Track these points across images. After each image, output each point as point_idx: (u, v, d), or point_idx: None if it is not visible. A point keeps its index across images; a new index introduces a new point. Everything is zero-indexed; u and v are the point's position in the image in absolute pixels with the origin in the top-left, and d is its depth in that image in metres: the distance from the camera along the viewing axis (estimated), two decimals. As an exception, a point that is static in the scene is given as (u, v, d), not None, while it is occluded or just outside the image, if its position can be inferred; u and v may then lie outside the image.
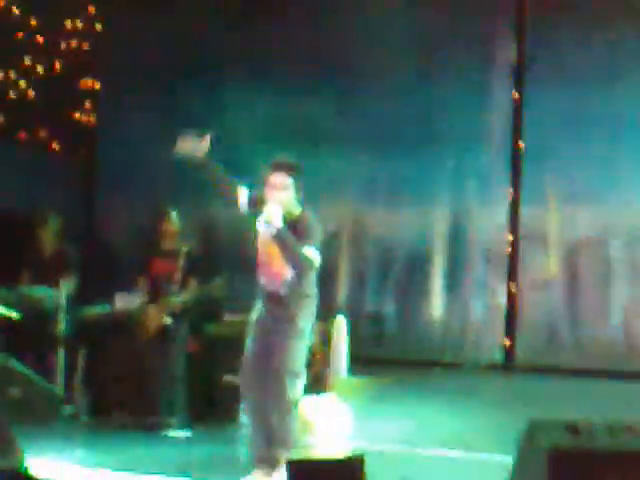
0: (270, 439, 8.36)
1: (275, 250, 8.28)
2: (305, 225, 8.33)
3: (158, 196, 12.51)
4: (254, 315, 8.61)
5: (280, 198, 8.25)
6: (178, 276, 11.05)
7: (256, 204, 8.40)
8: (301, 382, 8.54)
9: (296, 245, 8.15)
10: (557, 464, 7.13)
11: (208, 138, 8.35)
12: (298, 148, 12.41)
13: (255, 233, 8.45)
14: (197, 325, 11.27)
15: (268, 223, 8.13)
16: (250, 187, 8.51)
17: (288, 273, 8.32)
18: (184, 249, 11.17)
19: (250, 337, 8.58)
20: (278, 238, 8.13)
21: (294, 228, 8.23)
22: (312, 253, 8.21)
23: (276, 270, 8.37)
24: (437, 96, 13.96)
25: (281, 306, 8.39)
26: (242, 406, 9.01)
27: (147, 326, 11.01)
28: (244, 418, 8.83)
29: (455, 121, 13.88)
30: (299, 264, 8.26)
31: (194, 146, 8.37)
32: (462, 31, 13.81)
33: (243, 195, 8.49)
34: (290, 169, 8.40)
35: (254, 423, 8.47)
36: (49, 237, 11.98)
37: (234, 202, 8.54)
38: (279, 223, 8.09)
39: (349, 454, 4.45)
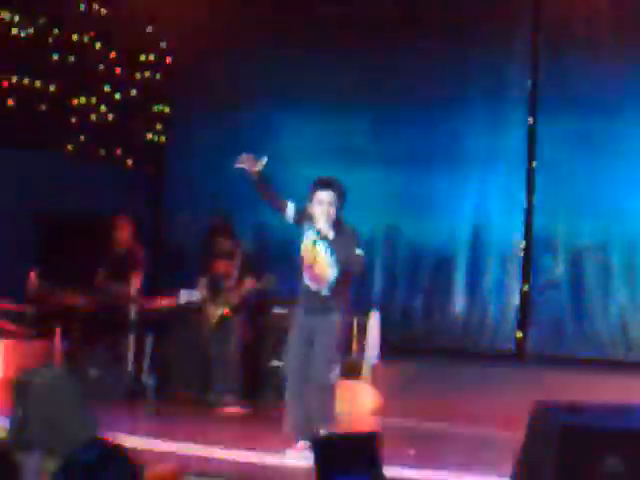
0: (309, 417, 8.36)
1: (319, 255, 8.36)
2: (352, 234, 8.50)
3: (218, 205, 12.44)
4: (297, 310, 8.65)
5: (327, 212, 8.35)
6: (235, 274, 11.04)
7: (303, 216, 8.45)
8: (337, 368, 8.56)
9: (351, 250, 8.30)
10: (563, 442, 7.06)
11: (264, 161, 8.44)
12: (343, 166, 12.59)
13: (301, 240, 8.49)
14: (250, 316, 11.26)
15: (325, 238, 8.28)
16: (296, 201, 8.54)
17: (331, 276, 8.39)
18: (240, 251, 11.17)
19: (294, 329, 8.61)
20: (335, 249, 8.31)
21: (341, 236, 8.35)
22: (362, 256, 8.44)
23: (319, 272, 8.43)
24: (463, 122, 13.91)
25: (322, 304, 8.44)
26: (286, 386, 8.99)
27: (209, 317, 11.01)
28: (286, 396, 8.80)
29: (478, 143, 13.85)
30: (355, 265, 8.46)
31: (251, 164, 8.42)
32: (486, 65, 13.73)
33: (290, 208, 8.52)
34: (334, 187, 8.47)
35: (295, 403, 8.49)
36: (123, 239, 11.99)
37: (280, 213, 8.60)
38: (332, 235, 8.26)
39: (365, 431, 4.47)
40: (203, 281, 11.25)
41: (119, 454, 2.95)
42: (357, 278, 9.09)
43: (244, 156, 8.52)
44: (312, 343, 8.42)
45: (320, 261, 8.42)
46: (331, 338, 8.46)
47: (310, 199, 8.50)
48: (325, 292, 8.45)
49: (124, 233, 11.84)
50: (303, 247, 8.51)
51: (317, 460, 4.49)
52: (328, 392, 8.46)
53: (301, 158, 13.83)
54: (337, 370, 8.66)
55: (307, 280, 8.49)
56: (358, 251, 8.41)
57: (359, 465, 4.26)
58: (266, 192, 8.65)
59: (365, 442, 4.49)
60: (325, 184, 8.50)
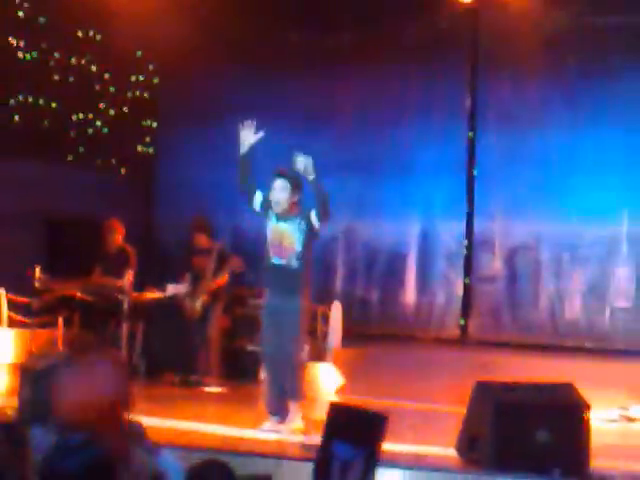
0: (283, 393, 8.37)
1: (285, 231, 8.19)
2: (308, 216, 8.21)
3: (201, 208, 12.44)
4: (266, 295, 8.48)
5: (280, 196, 8.20)
6: (211, 267, 11.01)
7: (267, 204, 8.35)
8: (306, 349, 8.54)
9: (322, 190, 8.07)
10: (498, 416, 7.14)
11: (260, 135, 8.38)
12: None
13: (266, 226, 8.31)
14: (228, 307, 11.27)
15: (306, 170, 8.01)
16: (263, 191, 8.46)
17: (297, 246, 8.20)
18: (216, 246, 11.13)
19: (264, 315, 8.51)
20: (314, 182, 8.02)
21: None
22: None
23: (286, 245, 8.20)
24: (410, 136, 13.95)
25: (289, 279, 8.23)
26: (262, 367, 8.97)
27: (191, 307, 11.01)
28: (263, 376, 8.79)
29: (424, 155, 13.90)
30: (325, 207, 8.10)
31: (247, 134, 8.37)
32: (432, 88, 13.78)
33: (258, 195, 8.36)
34: (286, 175, 8.29)
35: (270, 380, 8.44)
36: (117, 239, 11.97)
37: (249, 198, 8.40)
38: (312, 173, 8.00)
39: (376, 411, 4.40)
40: (188, 276, 11.25)
41: None
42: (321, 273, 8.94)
43: (247, 122, 8.42)
44: (280, 325, 8.24)
45: (286, 236, 8.21)
46: (297, 321, 8.26)
47: (270, 187, 8.30)
48: (293, 264, 8.21)
49: (116, 235, 11.84)
50: (270, 231, 8.28)
51: (326, 423, 4.46)
52: (298, 370, 8.38)
53: (271, 166, 13.79)
54: (305, 350, 8.57)
55: (274, 258, 8.25)
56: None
57: (360, 439, 4.21)
58: (243, 170, 8.42)
59: (373, 421, 4.43)
60: (278, 173, 8.31)
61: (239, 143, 8.41)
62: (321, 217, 8.22)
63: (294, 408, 8.31)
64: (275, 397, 8.40)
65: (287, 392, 8.34)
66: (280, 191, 8.28)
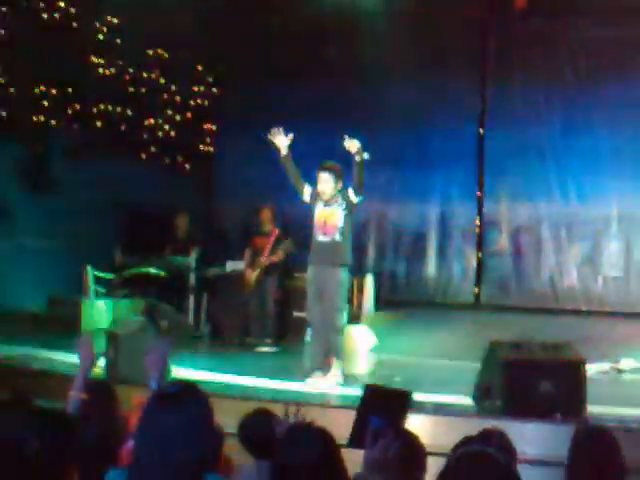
0: (326, 351, 8.38)
1: (330, 214, 8.22)
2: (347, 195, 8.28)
3: (255, 198, 12.44)
4: (309, 269, 8.46)
5: (326, 187, 8.23)
6: (270, 248, 11.05)
7: (314, 195, 8.36)
8: (345, 314, 8.54)
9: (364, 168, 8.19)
10: (508, 370, 7.13)
11: (291, 136, 8.38)
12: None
13: (313, 211, 8.33)
14: (280, 280, 11.29)
15: (357, 152, 8.13)
16: (311, 184, 8.45)
17: (340, 222, 8.22)
18: (276, 231, 11.17)
19: (309, 286, 8.52)
20: (361, 162, 8.15)
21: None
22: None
23: (330, 226, 8.24)
24: (431, 132, 13.88)
25: (333, 253, 8.22)
26: (307, 330, 8.97)
27: (248, 280, 11.05)
28: (308, 338, 8.80)
29: (442, 148, 13.81)
30: (362, 181, 8.24)
31: (280, 138, 8.34)
32: (449, 91, 13.69)
33: (307, 189, 8.43)
34: (330, 169, 8.33)
35: (316, 341, 8.47)
36: (184, 224, 12.04)
37: (299, 191, 8.44)
38: (362, 154, 8.12)
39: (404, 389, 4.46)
40: (248, 252, 11.27)
41: (194, 388, 2.93)
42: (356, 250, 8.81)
43: (275, 129, 8.39)
44: (322, 294, 8.26)
45: (330, 216, 8.23)
46: (338, 290, 8.25)
47: (316, 179, 8.34)
48: (336, 238, 8.22)
49: (183, 223, 11.91)
50: (317, 214, 8.29)
51: (361, 401, 4.51)
52: (339, 333, 8.41)
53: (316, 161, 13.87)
54: (345, 315, 8.52)
55: (319, 237, 8.25)
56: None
57: (389, 412, 4.28)
58: (290, 169, 8.43)
59: (399, 397, 4.49)
60: (323, 167, 8.34)
61: (276, 149, 8.37)
62: (358, 191, 8.27)
63: (336, 364, 8.34)
64: (319, 355, 8.42)
65: (330, 351, 8.36)
66: (326, 183, 8.32)
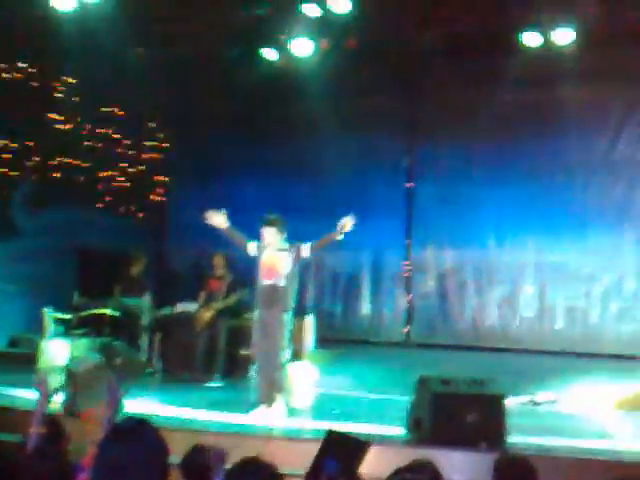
0: (270, 386, 8.34)
1: (276, 260, 8.22)
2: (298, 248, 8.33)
3: (205, 244, 12.35)
4: (256, 310, 8.42)
5: (272, 240, 8.27)
6: (224, 291, 10.97)
7: (260, 247, 8.35)
8: (287, 352, 8.51)
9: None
10: (436, 403, 7.16)
11: (223, 212, 8.37)
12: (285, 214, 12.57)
13: (259, 260, 8.30)
14: (230, 320, 11.17)
15: (342, 232, 8.30)
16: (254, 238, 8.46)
17: (286, 269, 8.22)
18: (229, 276, 11.09)
19: (256, 327, 8.49)
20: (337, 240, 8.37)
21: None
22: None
23: (275, 271, 8.22)
24: (364, 186, 13.99)
25: (277, 296, 8.20)
26: (253, 367, 8.90)
27: (201, 320, 10.92)
28: (253, 373, 8.73)
29: (375, 199, 13.92)
30: (319, 250, 8.46)
31: (215, 218, 8.37)
32: (380, 150, 13.87)
33: (251, 246, 8.45)
34: (274, 223, 8.37)
35: (260, 376, 8.42)
36: (138, 267, 11.90)
37: (244, 249, 8.46)
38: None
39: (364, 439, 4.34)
40: (202, 294, 11.15)
41: (146, 423, 2.90)
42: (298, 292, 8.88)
43: (209, 212, 8.40)
44: (267, 334, 8.24)
45: (276, 262, 8.23)
46: (281, 331, 8.25)
47: (261, 232, 8.35)
48: (279, 283, 8.21)
49: (139, 266, 11.79)
50: (264, 259, 8.27)
51: (322, 442, 4.38)
52: (281, 370, 8.38)
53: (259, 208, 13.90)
54: (287, 353, 8.50)
55: (264, 281, 8.24)
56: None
57: (346, 459, 4.16)
58: (235, 237, 8.48)
59: (358, 445, 4.35)
60: (267, 223, 8.36)
61: (217, 227, 8.36)
62: (313, 252, 8.36)
63: (279, 398, 8.30)
64: (263, 389, 8.38)
65: (274, 386, 8.33)
66: (271, 236, 8.32)
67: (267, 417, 8.15)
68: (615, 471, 5.22)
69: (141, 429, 2.80)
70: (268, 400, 8.29)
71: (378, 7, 11.39)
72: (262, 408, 8.28)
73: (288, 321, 8.39)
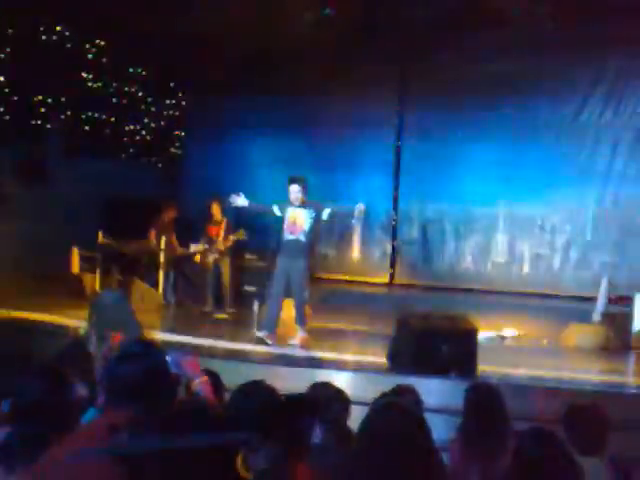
0: (277, 318, 8.47)
1: (299, 215, 8.25)
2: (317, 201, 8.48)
3: (213, 193, 12.21)
4: (280, 258, 8.41)
5: (297, 197, 8.31)
6: (222, 234, 10.92)
7: (283, 205, 8.38)
8: (307, 292, 8.64)
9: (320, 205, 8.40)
10: (416, 334, 7.15)
11: (241, 195, 8.42)
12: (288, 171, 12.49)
13: (284, 216, 8.33)
14: (233, 260, 11.16)
15: (301, 206, 8.21)
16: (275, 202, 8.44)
17: (306, 225, 8.27)
18: (225, 220, 11.02)
19: (278, 268, 8.44)
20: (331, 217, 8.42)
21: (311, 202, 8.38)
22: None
23: (298, 224, 8.26)
24: (358, 144, 13.88)
25: (298, 249, 8.26)
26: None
27: (207, 263, 10.90)
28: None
29: (366, 157, 13.85)
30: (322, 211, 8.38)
31: (240, 200, 8.44)
32: (372, 111, 13.72)
33: (276, 209, 8.42)
34: (298, 180, 8.43)
35: (273, 309, 8.44)
36: (169, 214, 11.62)
37: (271, 213, 8.49)
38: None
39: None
40: (204, 239, 11.13)
41: (151, 346, 2.87)
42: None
43: (232, 196, 8.47)
44: (289, 276, 8.30)
45: (299, 218, 8.26)
46: (304, 276, 8.37)
47: (287, 188, 8.40)
48: (301, 238, 8.25)
49: (171, 212, 11.55)
50: (287, 215, 8.29)
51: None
52: (303, 306, 8.48)
53: (265, 164, 13.87)
54: (307, 294, 8.65)
55: (288, 235, 8.27)
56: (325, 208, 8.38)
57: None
58: (258, 209, 8.67)
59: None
60: (292, 180, 8.43)
61: (241, 205, 8.46)
62: (329, 218, 8.46)
63: (301, 329, 8.41)
64: (272, 320, 8.36)
65: (297, 319, 8.42)
66: (296, 192, 8.31)
67: (293, 345, 8.27)
68: (569, 398, 5.21)
69: (147, 351, 2.79)
70: (272, 329, 8.36)
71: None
72: (264, 335, 8.32)
73: (307, 268, 8.46)
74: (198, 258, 10.89)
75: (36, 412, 3.08)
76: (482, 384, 4.57)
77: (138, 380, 2.66)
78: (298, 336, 8.40)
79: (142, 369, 2.70)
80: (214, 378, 4.15)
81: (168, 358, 2.90)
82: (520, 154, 12.83)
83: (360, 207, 8.29)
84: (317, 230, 8.66)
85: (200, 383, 3.01)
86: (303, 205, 8.32)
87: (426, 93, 13.56)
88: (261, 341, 8.24)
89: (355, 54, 13.46)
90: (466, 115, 13.21)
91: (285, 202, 8.40)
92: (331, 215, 8.45)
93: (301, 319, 8.44)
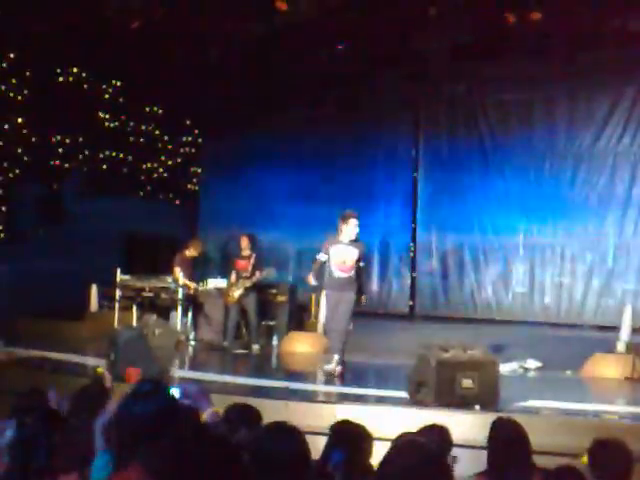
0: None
1: (348, 254, 8.40)
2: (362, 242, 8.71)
3: (232, 228, 12.22)
4: (329, 291, 8.57)
5: (356, 231, 8.48)
6: (249, 270, 10.79)
7: (329, 244, 8.49)
8: (351, 324, 8.75)
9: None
10: (438, 367, 7.06)
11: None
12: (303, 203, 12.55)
13: (328, 255, 8.43)
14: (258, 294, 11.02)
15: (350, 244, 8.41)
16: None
17: (353, 265, 8.42)
18: (253, 255, 10.92)
19: (329, 300, 8.59)
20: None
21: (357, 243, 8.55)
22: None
23: (349, 266, 8.41)
24: (376, 176, 13.94)
25: (346, 284, 8.41)
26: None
27: (231, 295, 10.76)
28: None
29: (384, 188, 13.90)
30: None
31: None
32: (389, 144, 13.81)
33: (323, 256, 8.52)
34: (352, 217, 8.52)
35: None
36: (194, 250, 11.54)
37: (322, 263, 8.57)
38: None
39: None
40: (232, 273, 10.95)
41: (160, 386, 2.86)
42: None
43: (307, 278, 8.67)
44: (337, 307, 8.43)
45: (348, 257, 8.38)
46: (351, 305, 8.48)
47: (345, 224, 8.43)
48: (350, 276, 8.40)
49: (197, 248, 11.50)
50: (335, 255, 8.39)
51: (329, 436, 3.92)
52: (345, 335, 8.55)
53: (279, 198, 13.91)
54: (351, 325, 8.75)
55: (338, 273, 8.39)
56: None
57: (351, 450, 3.81)
58: (316, 271, 8.64)
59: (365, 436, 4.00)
60: (352, 215, 8.50)
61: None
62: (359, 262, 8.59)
63: (336, 358, 8.48)
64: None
65: (333, 348, 8.59)
66: (356, 227, 8.37)
67: (328, 370, 8.39)
68: (596, 431, 5.11)
69: (155, 392, 2.79)
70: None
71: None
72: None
73: (354, 301, 8.60)
74: (227, 294, 10.72)
75: (33, 449, 3.09)
76: (506, 419, 4.48)
77: (147, 421, 2.64)
78: (335, 363, 8.40)
79: (152, 409, 2.68)
80: (250, 412, 4.06)
81: (178, 390, 2.89)
82: (538, 182, 12.80)
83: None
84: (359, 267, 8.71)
85: (210, 414, 2.98)
86: (352, 243, 8.42)
87: (442, 123, 13.60)
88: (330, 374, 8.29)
89: (370, 86, 13.58)
90: (484, 142, 13.23)
91: (327, 239, 8.55)
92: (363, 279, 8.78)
93: (340, 349, 8.45)
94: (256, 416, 3.86)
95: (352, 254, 8.41)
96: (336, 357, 8.43)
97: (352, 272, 8.43)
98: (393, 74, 13.43)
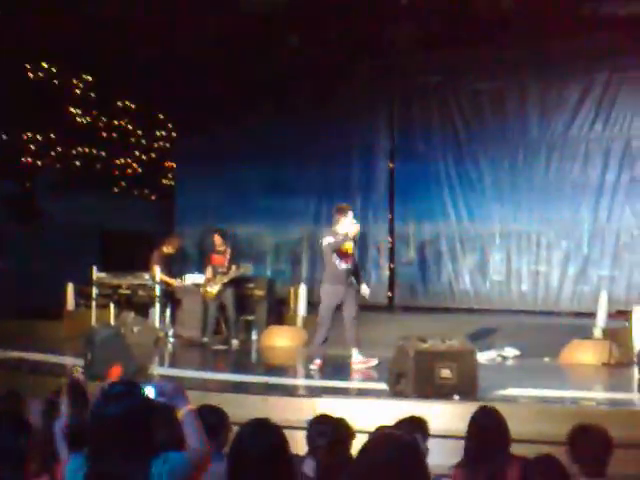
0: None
1: (350, 248, 8.49)
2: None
3: (209, 223, 12.16)
4: (335, 284, 8.48)
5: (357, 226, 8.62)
6: (225, 265, 10.77)
7: (339, 241, 8.43)
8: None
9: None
10: (416, 358, 7.05)
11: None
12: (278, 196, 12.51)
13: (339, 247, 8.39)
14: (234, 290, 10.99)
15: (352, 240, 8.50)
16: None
17: (355, 257, 8.67)
18: (229, 250, 10.89)
19: (334, 292, 8.49)
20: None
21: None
22: None
23: (351, 256, 8.53)
24: (352, 167, 13.95)
25: (349, 276, 8.52)
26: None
27: (209, 291, 10.72)
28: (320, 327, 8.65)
29: (361, 179, 13.89)
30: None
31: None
32: (366, 134, 13.79)
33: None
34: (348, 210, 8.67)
35: (324, 331, 8.52)
36: (171, 247, 11.49)
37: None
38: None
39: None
40: (209, 269, 10.92)
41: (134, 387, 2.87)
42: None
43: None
44: (342, 300, 8.48)
45: (351, 250, 8.47)
46: (355, 297, 8.58)
47: (344, 216, 8.51)
48: (351, 267, 8.50)
49: (174, 244, 11.42)
50: (340, 249, 8.39)
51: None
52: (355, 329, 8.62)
53: (255, 191, 13.86)
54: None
55: (343, 265, 8.43)
56: None
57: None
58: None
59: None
60: (348, 209, 8.63)
61: None
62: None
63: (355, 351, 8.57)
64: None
65: (351, 340, 8.58)
66: (352, 219, 8.61)
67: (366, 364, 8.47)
68: (575, 418, 5.15)
69: (127, 392, 2.79)
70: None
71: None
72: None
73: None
74: (204, 290, 10.68)
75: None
76: (486, 408, 4.50)
77: (120, 421, 2.64)
78: (356, 356, 8.52)
79: (124, 410, 2.66)
80: (218, 415, 4.06)
81: (152, 388, 2.88)
82: (513, 171, 12.85)
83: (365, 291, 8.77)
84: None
85: (186, 411, 2.95)
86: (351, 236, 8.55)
87: (416, 114, 13.60)
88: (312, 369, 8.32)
89: (345, 78, 13.56)
90: (458, 132, 13.26)
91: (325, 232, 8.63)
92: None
93: (358, 340, 8.58)
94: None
95: (351, 244, 8.54)
96: (355, 351, 8.56)
97: (353, 263, 8.59)
98: (367, 65, 13.41)
